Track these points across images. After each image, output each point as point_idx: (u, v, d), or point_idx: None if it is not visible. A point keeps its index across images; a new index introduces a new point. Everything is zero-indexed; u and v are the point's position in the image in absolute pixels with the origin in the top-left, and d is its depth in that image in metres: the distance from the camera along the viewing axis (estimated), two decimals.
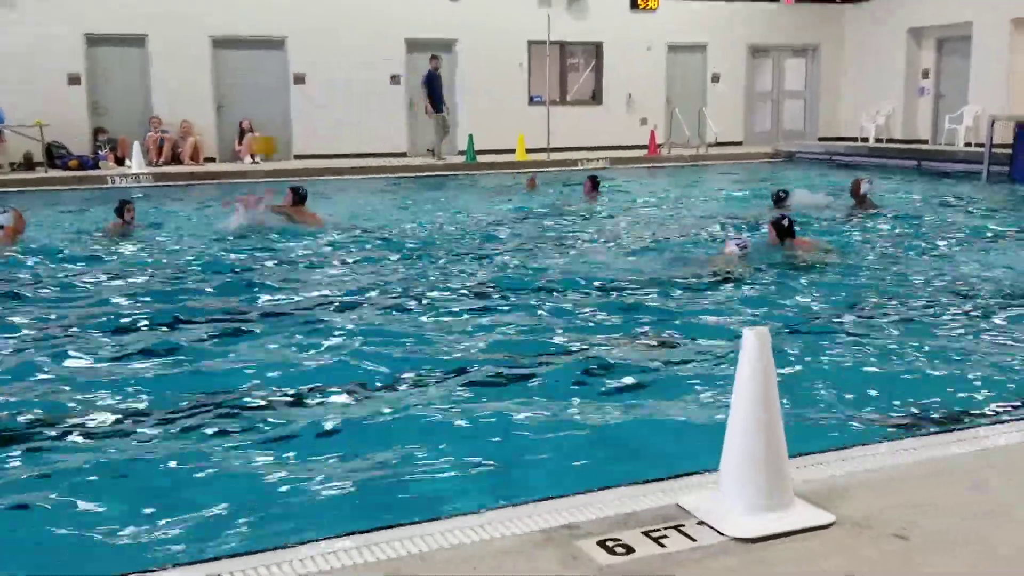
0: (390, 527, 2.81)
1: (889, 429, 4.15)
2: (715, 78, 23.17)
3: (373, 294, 7.42)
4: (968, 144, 19.29)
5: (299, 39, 19.34)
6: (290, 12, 19.11)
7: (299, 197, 11.04)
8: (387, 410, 4.63)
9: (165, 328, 6.29)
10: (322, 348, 5.77)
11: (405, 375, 5.18)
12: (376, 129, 19.79)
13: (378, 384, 5.06)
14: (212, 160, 18.80)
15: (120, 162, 17.54)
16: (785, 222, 8.75)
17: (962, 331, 6.04)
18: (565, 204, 13.28)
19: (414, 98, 20.03)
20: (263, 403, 4.76)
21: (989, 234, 10.36)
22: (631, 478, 3.38)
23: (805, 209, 11.42)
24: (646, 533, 2.74)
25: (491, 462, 3.98)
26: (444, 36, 20.31)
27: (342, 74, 19.49)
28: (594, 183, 13.55)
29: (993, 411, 4.49)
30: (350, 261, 8.87)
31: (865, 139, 21.92)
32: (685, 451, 3.98)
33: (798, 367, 5.16)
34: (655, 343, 5.88)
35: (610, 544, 2.68)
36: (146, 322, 6.45)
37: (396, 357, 5.54)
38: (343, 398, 4.83)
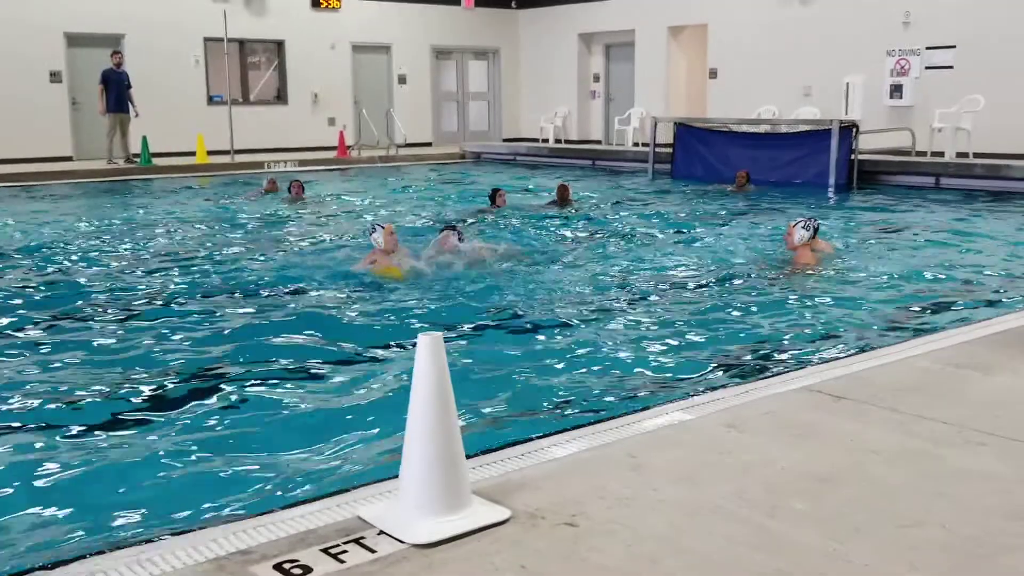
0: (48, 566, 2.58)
1: (562, 421, 4.33)
2: (401, 79, 23.40)
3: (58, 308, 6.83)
4: (636, 144, 20.84)
5: None
6: None
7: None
8: (54, 435, 4.22)
9: None
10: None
11: (62, 396, 4.75)
12: (35, 131, 18.10)
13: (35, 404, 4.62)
14: None
15: None
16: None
17: (632, 321, 6.46)
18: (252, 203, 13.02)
19: (77, 97, 18.58)
20: None
21: (659, 226, 11.19)
22: (314, 494, 3.29)
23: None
24: (325, 550, 2.66)
25: (162, 488, 3.72)
26: (109, 31, 18.97)
27: None
28: (300, 186, 13.95)
29: (651, 397, 4.80)
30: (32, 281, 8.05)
31: (545, 140, 23.08)
32: (370, 460, 3.94)
33: (475, 367, 5.24)
34: (335, 350, 5.75)
35: (286, 566, 2.57)
36: None
37: (65, 374, 5.09)
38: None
